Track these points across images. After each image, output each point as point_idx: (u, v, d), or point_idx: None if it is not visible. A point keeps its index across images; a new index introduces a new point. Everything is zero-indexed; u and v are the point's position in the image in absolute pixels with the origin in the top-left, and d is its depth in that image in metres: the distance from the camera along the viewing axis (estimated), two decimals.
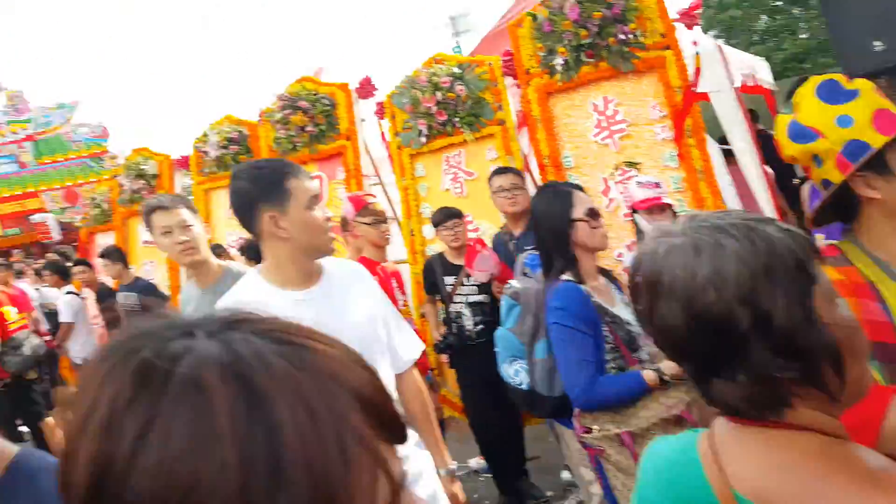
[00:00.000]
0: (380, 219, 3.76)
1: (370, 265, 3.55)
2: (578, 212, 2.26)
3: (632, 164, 4.21)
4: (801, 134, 1.49)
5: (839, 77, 1.48)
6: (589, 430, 2.14)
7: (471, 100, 4.75)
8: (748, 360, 0.82)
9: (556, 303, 2.21)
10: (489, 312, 3.82)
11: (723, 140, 4.39)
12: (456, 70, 4.83)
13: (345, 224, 3.94)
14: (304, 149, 5.73)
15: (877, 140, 1.39)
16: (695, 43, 4.00)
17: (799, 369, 0.82)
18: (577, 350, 2.13)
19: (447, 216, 4.08)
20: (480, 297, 3.95)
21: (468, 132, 4.80)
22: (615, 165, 4.28)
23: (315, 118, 5.61)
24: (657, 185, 3.41)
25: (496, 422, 3.98)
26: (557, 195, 2.35)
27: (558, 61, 4.26)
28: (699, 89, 3.96)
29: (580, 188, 2.45)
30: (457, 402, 4.55)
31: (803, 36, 17.92)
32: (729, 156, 4.31)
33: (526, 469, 4.14)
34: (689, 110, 3.95)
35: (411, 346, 2.18)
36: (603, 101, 4.29)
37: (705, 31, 17.19)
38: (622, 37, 4.04)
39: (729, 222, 0.87)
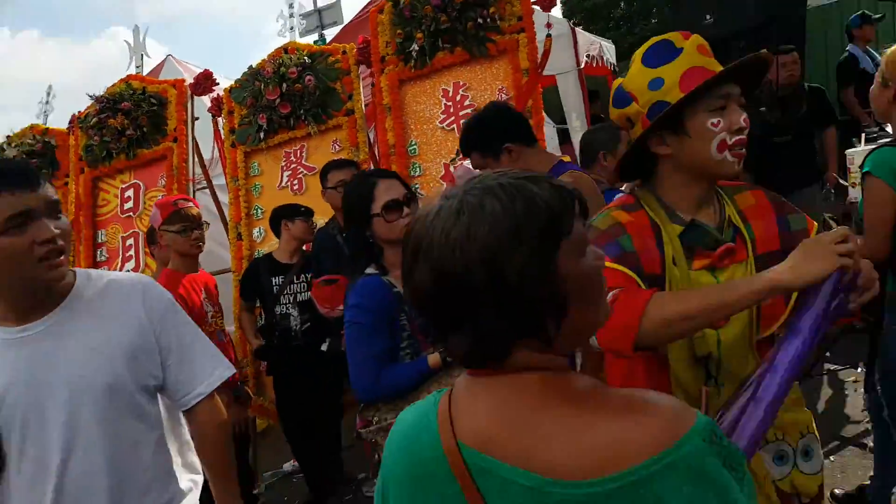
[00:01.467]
0: (190, 225, 3.41)
1: (174, 278, 3.31)
2: (377, 206, 2.15)
3: None
4: (619, 98, 1.57)
5: (674, 36, 1.51)
6: (369, 423, 2.08)
7: (319, 90, 4.54)
8: (476, 317, 0.84)
9: (351, 300, 2.14)
10: (316, 310, 3.54)
11: (563, 121, 4.54)
12: (307, 59, 4.60)
13: (151, 235, 3.72)
14: (120, 155, 5.23)
15: (675, 97, 1.45)
16: (549, 25, 4.05)
17: (519, 324, 0.84)
18: (365, 347, 2.08)
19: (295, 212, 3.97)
20: (308, 295, 3.73)
21: (313, 125, 4.57)
22: (457, 150, 4.19)
23: (138, 119, 5.12)
24: None
25: (312, 424, 3.90)
26: (360, 188, 2.23)
27: (414, 47, 4.19)
28: (547, 72, 4.01)
29: (393, 175, 2.31)
30: (272, 410, 4.30)
31: (654, 21, 19.23)
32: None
33: (341, 458, 4.08)
34: (531, 92, 3.97)
35: (201, 377, 1.80)
36: (453, 86, 4.26)
37: (568, 18, 17.69)
38: (480, 21, 4.02)
39: (501, 182, 0.87)
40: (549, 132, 5.09)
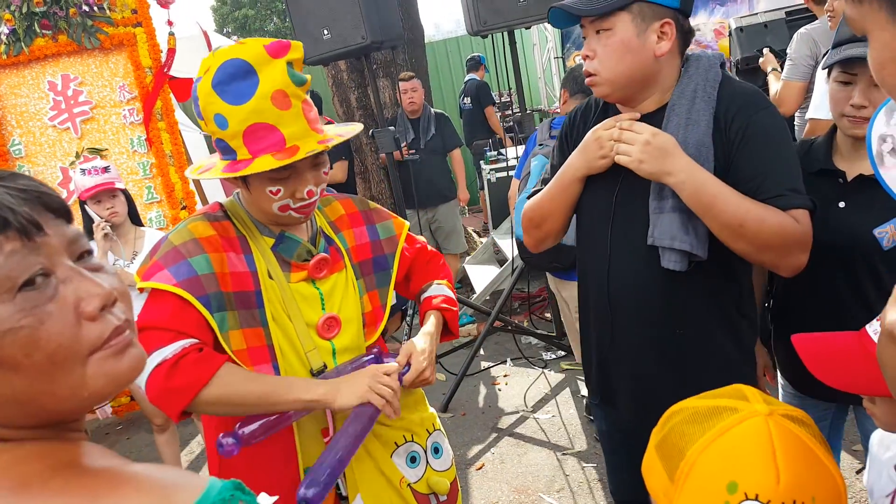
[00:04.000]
0: None
1: None
2: None
3: (96, 151, 3.75)
4: (196, 108, 1.40)
5: (258, 56, 1.34)
6: None
7: None
8: None
9: None
10: None
11: None
12: None
13: None
14: None
15: (238, 147, 1.35)
16: (170, 23, 3.80)
17: None
18: None
19: None
20: None
21: None
22: (77, 153, 3.75)
23: None
24: (105, 169, 2.95)
25: None
26: None
27: (3, 30, 3.59)
28: (184, 75, 3.76)
29: None
30: None
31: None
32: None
33: None
34: (158, 93, 3.71)
35: None
36: (62, 80, 3.71)
37: (220, 27, 17.80)
38: (86, 8, 3.61)
39: None
40: (195, 139, 4.73)
